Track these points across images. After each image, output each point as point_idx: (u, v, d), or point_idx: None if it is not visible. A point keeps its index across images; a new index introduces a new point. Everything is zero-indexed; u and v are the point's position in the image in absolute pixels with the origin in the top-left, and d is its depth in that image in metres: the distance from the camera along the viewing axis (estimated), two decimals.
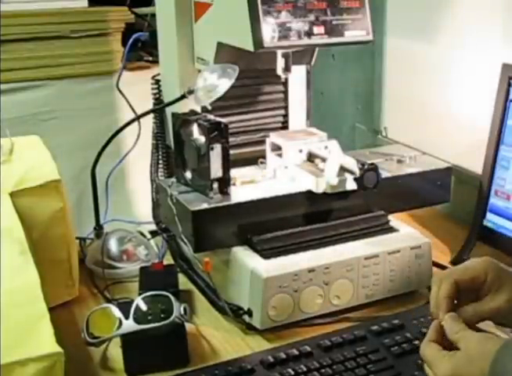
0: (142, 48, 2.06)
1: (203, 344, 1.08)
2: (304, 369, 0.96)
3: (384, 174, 1.22)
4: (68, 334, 0.98)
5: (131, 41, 1.44)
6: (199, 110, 1.22)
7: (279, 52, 1.16)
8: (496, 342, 0.74)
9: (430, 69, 1.56)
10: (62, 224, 1.14)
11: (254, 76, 1.31)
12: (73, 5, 2.01)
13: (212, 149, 1.12)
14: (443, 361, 0.77)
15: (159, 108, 1.34)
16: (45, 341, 0.79)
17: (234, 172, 1.20)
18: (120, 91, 1.42)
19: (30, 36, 1.94)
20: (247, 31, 1.06)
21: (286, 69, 1.17)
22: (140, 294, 1.06)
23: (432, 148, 1.43)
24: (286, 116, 1.37)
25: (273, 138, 1.26)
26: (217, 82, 1.15)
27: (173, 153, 1.25)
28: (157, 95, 1.35)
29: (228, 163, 1.15)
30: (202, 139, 1.14)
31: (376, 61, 1.75)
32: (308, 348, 1.00)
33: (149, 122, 1.37)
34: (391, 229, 1.21)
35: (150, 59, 2.08)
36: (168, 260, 1.32)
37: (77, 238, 1.29)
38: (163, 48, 1.35)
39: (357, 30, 1.13)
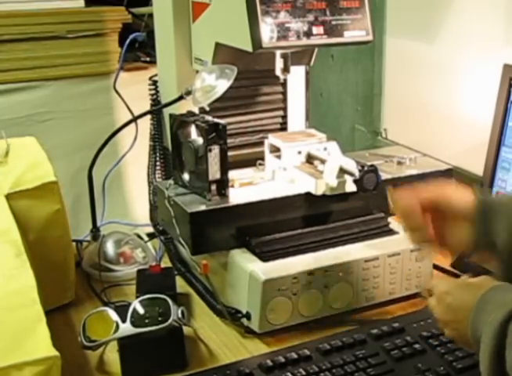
0: (139, 48, 2.05)
1: (201, 347, 1.07)
2: (303, 373, 0.95)
3: (384, 176, 1.21)
4: (65, 338, 0.98)
5: (128, 41, 1.44)
6: (197, 111, 1.22)
7: (278, 53, 1.16)
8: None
9: (431, 70, 1.56)
10: (58, 226, 1.13)
11: (253, 77, 1.30)
12: (69, 5, 2.00)
13: (210, 150, 1.12)
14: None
15: (156, 109, 1.33)
16: (41, 345, 0.78)
17: (232, 174, 1.19)
18: (117, 92, 1.41)
19: (26, 36, 1.93)
20: (246, 31, 1.05)
21: (285, 69, 1.17)
22: (137, 297, 1.06)
23: (432, 149, 1.42)
24: (285, 117, 1.37)
25: (272, 139, 1.25)
26: (215, 83, 1.14)
27: (170, 155, 1.24)
28: (155, 96, 1.35)
29: (226, 164, 1.14)
30: (200, 140, 1.14)
31: (375, 61, 1.75)
32: (307, 352, 0.99)
33: (146, 123, 1.36)
34: (391, 232, 1.20)
35: (148, 59, 2.08)
36: (166, 263, 1.32)
37: (73, 240, 1.28)
38: (160, 48, 1.34)
39: (357, 31, 1.12)
